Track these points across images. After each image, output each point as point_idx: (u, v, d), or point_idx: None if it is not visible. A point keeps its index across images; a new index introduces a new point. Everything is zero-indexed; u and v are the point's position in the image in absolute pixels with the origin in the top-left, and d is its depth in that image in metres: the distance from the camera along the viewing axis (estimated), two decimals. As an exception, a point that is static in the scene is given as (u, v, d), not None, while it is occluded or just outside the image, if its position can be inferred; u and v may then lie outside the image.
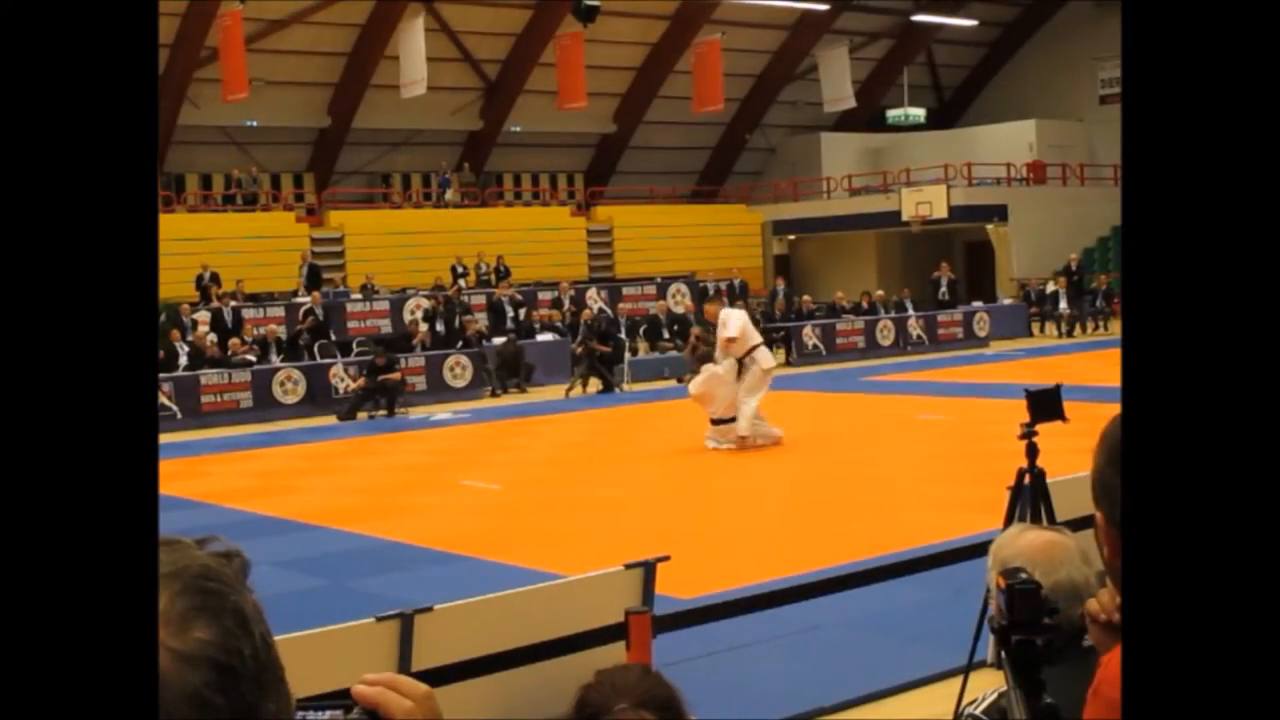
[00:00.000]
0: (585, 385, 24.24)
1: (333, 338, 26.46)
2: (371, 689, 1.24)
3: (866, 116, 42.64)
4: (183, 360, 22.88)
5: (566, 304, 29.47)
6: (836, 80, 40.03)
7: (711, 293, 26.85)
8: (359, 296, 29.49)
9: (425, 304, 28.20)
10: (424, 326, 26.41)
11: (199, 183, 34.22)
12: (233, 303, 26.84)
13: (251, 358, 23.73)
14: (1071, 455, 6.02)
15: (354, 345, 26.64)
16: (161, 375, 21.73)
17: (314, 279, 29.50)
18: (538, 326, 27.85)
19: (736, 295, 31.86)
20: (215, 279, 28.02)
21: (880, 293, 32.16)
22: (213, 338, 24.15)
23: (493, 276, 31.45)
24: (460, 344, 25.58)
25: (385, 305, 28.88)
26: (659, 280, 33.67)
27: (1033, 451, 6.42)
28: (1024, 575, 1.96)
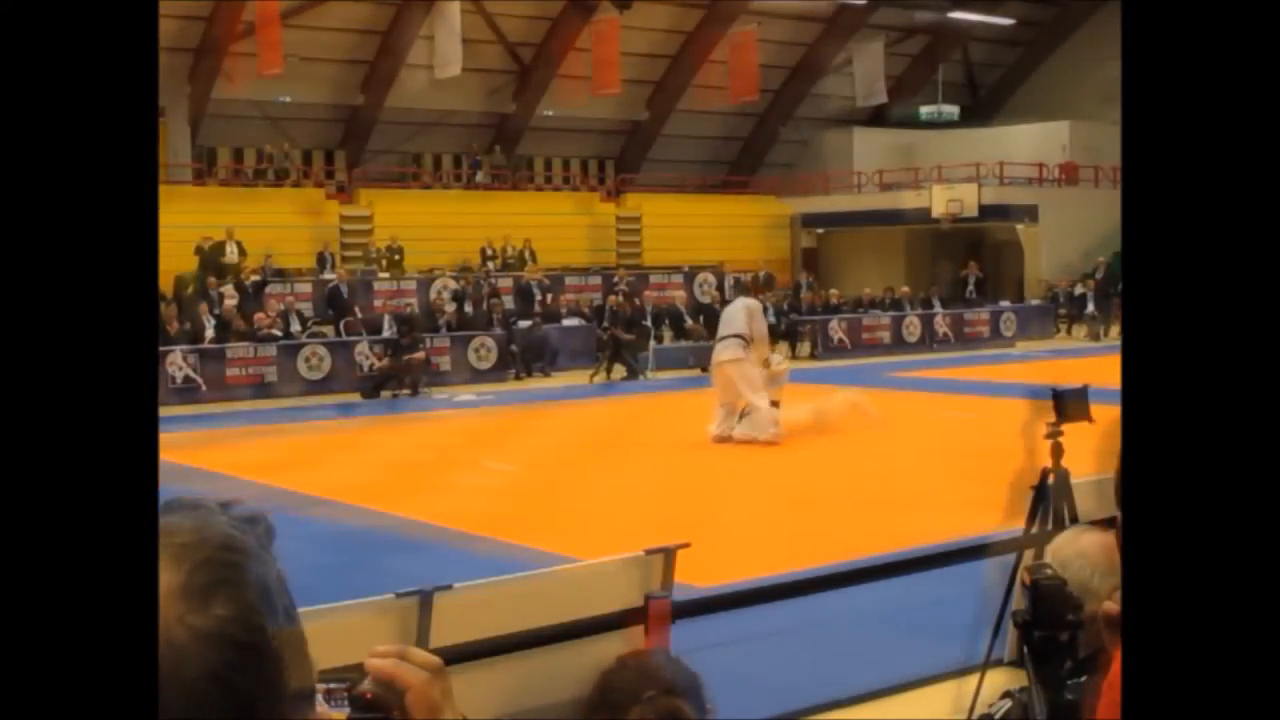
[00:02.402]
0: (610, 371, 24.24)
1: (359, 315, 26.48)
2: (384, 661, 1.24)
3: (899, 112, 42.47)
4: (209, 333, 22.96)
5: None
6: (870, 75, 39.88)
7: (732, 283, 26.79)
8: (386, 275, 29.50)
9: (453, 284, 28.22)
10: (450, 306, 26.42)
11: (230, 156, 34.32)
12: (256, 278, 26.86)
13: (277, 332, 23.81)
14: (1094, 457, 5.99)
15: (385, 322, 26.62)
16: (187, 347, 21.82)
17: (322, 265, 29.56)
18: (564, 311, 27.84)
19: (763, 287, 31.76)
20: (241, 250, 27.96)
21: (906, 289, 32.03)
22: (239, 311, 24.20)
23: (522, 260, 31.40)
24: (486, 326, 25.60)
25: (412, 284, 28.92)
26: (686, 269, 33.61)
27: (1058, 451, 6.38)
28: (1049, 571, 1.95)
